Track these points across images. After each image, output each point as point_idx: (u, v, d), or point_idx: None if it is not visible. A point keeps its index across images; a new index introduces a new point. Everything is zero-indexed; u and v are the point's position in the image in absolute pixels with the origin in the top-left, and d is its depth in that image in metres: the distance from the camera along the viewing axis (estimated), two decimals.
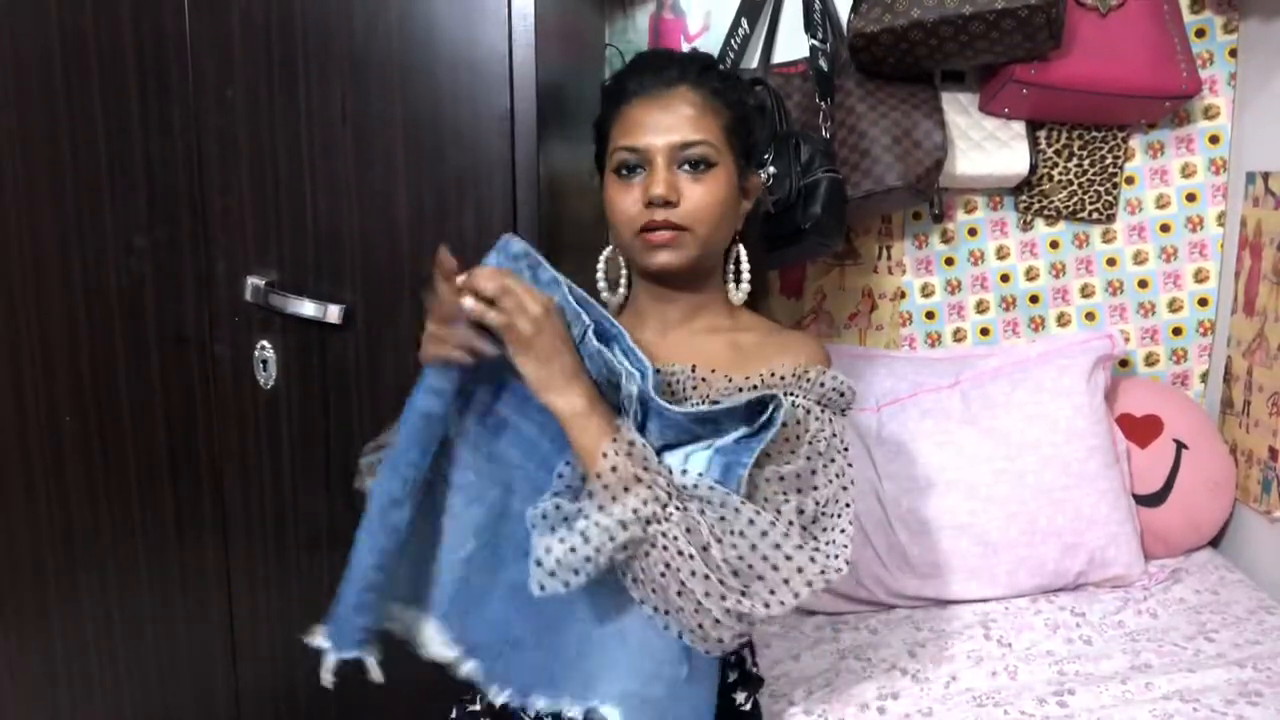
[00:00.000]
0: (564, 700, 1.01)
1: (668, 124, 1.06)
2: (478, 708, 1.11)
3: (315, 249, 1.28)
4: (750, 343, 1.10)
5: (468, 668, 1.04)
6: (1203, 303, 1.90)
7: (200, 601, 1.38)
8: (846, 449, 1.03)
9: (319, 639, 1.01)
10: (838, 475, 1.00)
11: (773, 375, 1.02)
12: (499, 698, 1.04)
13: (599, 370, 0.98)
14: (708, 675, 1.03)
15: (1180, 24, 1.72)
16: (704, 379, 1.04)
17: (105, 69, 1.27)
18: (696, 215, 1.05)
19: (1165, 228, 1.88)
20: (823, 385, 1.02)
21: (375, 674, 1.01)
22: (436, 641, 1.05)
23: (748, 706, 1.15)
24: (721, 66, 1.70)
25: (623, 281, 1.16)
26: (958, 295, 1.92)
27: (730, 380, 1.03)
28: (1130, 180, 1.87)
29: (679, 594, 0.91)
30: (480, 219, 1.23)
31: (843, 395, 1.05)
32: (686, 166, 1.05)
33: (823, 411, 1.02)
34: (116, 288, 1.32)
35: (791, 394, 1.01)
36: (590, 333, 0.98)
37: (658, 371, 0.99)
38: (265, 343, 1.30)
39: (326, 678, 1.00)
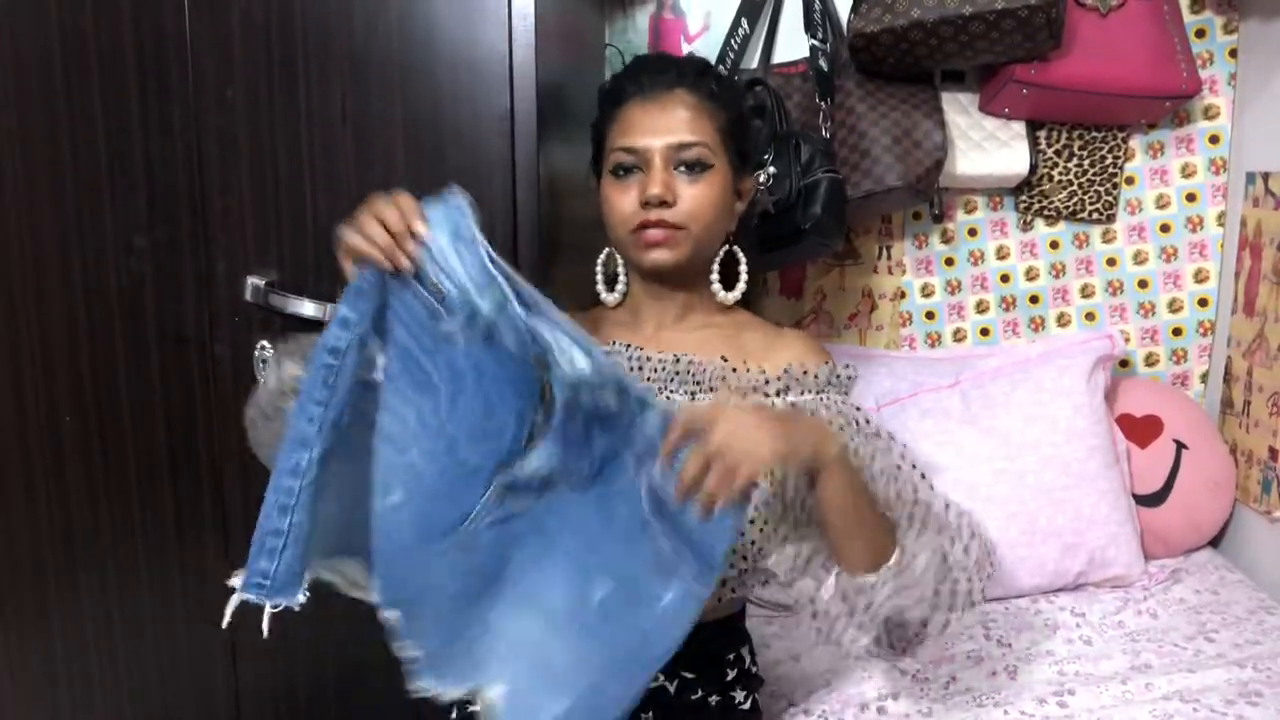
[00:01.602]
0: (447, 683, 0.97)
1: (665, 125, 1.07)
2: (478, 707, 1.11)
3: (315, 249, 1.28)
4: (748, 339, 1.12)
5: (388, 615, 0.97)
6: (1203, 303, 1.90)
7: (200, 601, 1.38)
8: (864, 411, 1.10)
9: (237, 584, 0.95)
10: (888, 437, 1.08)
11: (805, 373, 1.07)
12: (408, 654, 0.98)
13: (522, 345, 0.91)
14: (618, 697, 0.95)
15: (1180, 24, 1.72)
16: (734, 369, 1.07)
17: (105, 69, 1.27)
18: (692, 215, 1.07)
19: (1165, 228, 1.88)
20: (838, 377, 1.10)
21: (264, 626, 0.94)
22: (363, 582, 0.99)
23: (747, 706, 1.15)
24: (721, 68, 1.72)
25: (621, 279, 1.17)
26: (958, 295, 1.92)
27: (763, 371, 1.06)
28: (1130, 180, 1.87)
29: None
30: (480, 219, 1.23)
31: (851, 378, 1.12)
32: (683, 168, 1.07)
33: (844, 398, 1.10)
34: (116, 288, 1.31)
35: (821, 393, 1.07)
36: (514, 303, 0.91)
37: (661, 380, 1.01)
38: (265, 343, 1.30)
39: (225, 619, 0.95)
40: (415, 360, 0.93)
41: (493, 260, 0.91)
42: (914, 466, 1.06)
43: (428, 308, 0.92)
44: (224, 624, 0.92)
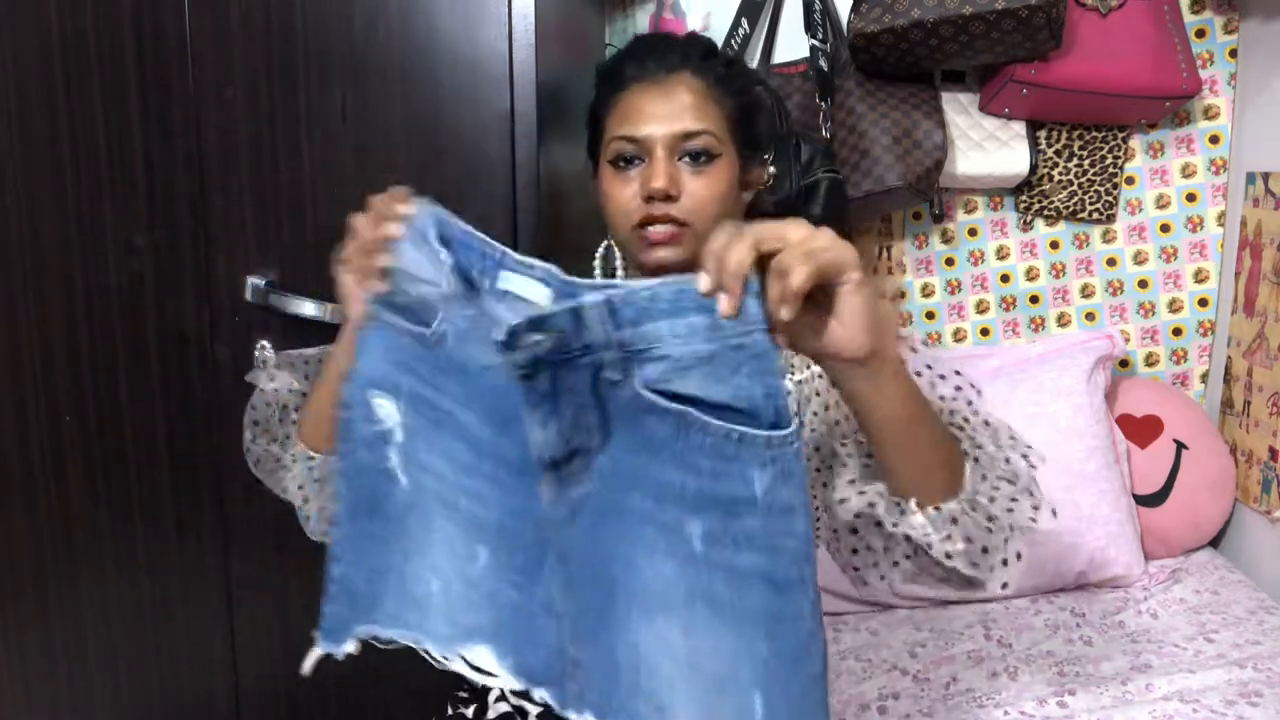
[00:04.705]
0: None
1: (668, 112, 1.00)
2: (469, 713, 1.09)
3: (315, 249, 1.28)
4: None
5: (540, 694, 0.86)
6: (1203, 303, 1.90)
7: (200, 601, 1.38)
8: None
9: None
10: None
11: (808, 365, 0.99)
12: None
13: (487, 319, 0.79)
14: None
15: (1180, 24, 1.72)
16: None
17: (105, 69, 1.27)
18: (697, 211, 1.00)
19: (1165, 228, 1.88)
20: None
21: (306, 663, 0.88)
22: (497, 669, 0.88)
23: None
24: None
25: (620, 274, 1.14)
26: (958, 295, 1.92)
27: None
28: (1130, 180, 1.87)
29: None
30: (480, 219, 1.22)
31: None
32: (687, 158, 1.00)
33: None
34: (116, 288, 1.32)
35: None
36: (508, 259, 0.81)
37: None
38: (265, 343, 1.30)
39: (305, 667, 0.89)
40: (424, 400, 0.85)
41: (443, 241, 0.83)
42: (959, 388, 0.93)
43: (415, 336, 0.84)
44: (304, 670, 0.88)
